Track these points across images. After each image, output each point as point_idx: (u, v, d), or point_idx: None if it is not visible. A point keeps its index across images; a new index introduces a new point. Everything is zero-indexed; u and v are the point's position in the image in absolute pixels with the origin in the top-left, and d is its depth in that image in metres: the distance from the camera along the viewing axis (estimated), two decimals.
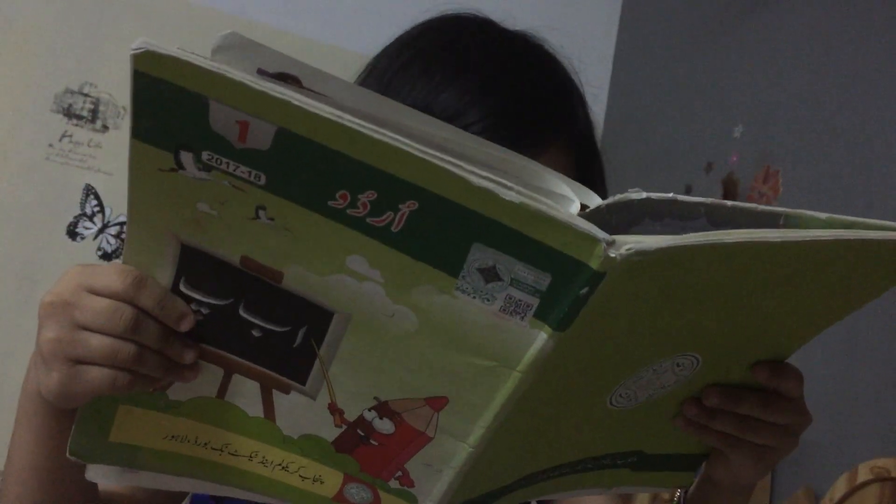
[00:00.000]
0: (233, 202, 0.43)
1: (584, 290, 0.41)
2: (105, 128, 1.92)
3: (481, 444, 0.49)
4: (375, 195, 0.41)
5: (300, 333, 0.48)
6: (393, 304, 0.45)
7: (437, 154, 0.40)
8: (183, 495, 0.73)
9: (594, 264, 0.40)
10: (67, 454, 0.54)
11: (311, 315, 0.47)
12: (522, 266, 0.42)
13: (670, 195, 0.51)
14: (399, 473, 0.52)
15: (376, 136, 0.39)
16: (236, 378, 0.51)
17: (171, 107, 0.40)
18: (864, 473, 1.33)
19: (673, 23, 2.23)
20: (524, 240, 0.41)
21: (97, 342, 0.47)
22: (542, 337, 0.43)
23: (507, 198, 0.40)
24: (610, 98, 2.41)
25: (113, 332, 0.47)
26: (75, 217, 1.88)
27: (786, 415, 0.58)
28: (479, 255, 0.42)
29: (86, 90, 1.91)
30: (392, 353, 0.47)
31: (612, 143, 2.38)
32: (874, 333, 1.44)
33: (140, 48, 0.39)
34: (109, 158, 1.92)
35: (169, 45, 0.39)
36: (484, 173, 0.40)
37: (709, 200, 0.49)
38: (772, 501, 1.54)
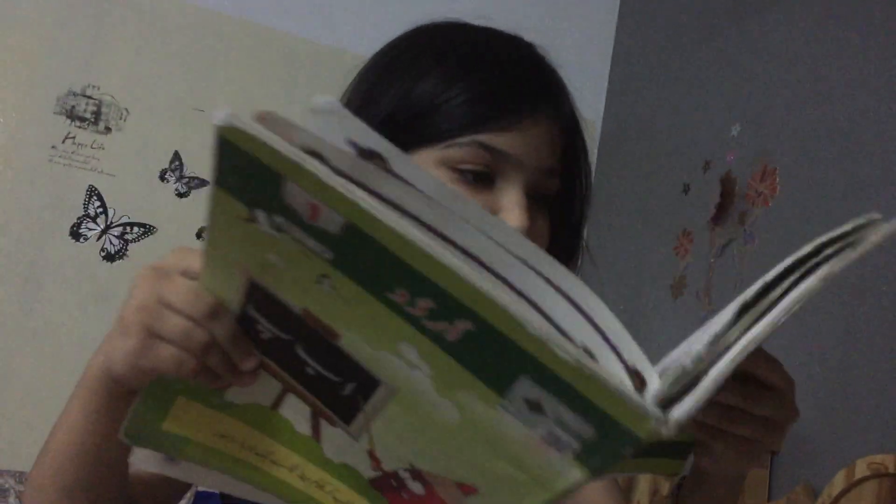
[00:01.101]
0: (300, 264, 0.44)
1: (628, 450, 0.40)
2: (108, 129, 1.93)
3: None
4: (432, 304, 0.41)
5: (349, 387, 0.49)
6: (438, 396, 0.45)
7: (498, 287, 0.40)
8: (187, 488, 0.74)
9: (642, 434, 0.39)
10: (121, 435, 0.55)
11: (360, 376, 0.48)
12: (569, 412, 0.41)
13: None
14: None
15: (437, 255, 0.39)
16: (291, 397, 0.53)
17: (249, 173, 0.41)
18: (861, 469, 1.33)
19: (671, 22, 2.24)
20: (574, 393, 0.40)
21: (176, 320, 0.49)
22: (576, 474, 0.43)
23: (563, 356, 0.38)
24: (608, 97, 2.41)
25: (192, 315, 0.49)
26: (79, 218, 1.89)
27: (770, 407, 0.58)
28: (527, 388, 0.41)
29: (89, 92, 1.92)
30: (432, 435, 0.47)
31: (610, 141, 2.39)
32: (872, 329, 1.45)
33: (225, 123, 0.39)
34: (112, 160, 1.93)
35: (251, 123, 0.39)
36: (542, 324, 0.39)
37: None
38: (770, 497, 1.55)
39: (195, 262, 0.51)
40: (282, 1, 2.11)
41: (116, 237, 1.92)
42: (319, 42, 2.11)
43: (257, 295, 0.48)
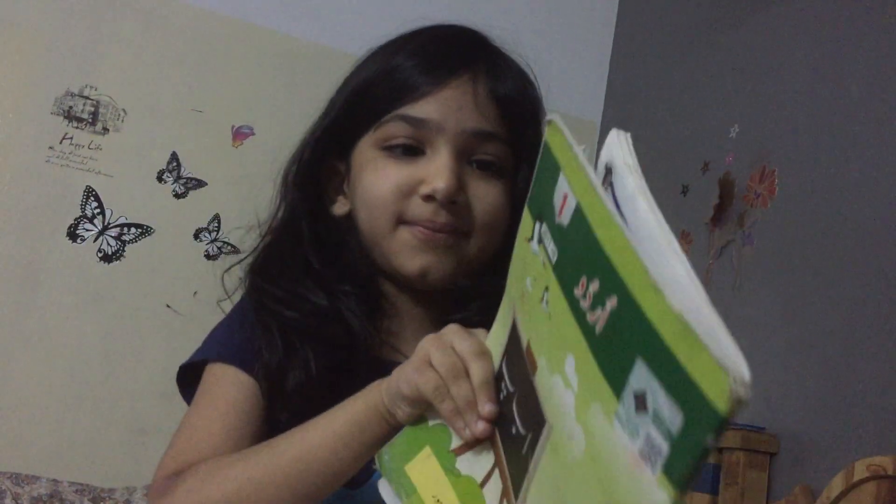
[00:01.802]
0: (538, 280, 0.49)
1: (710, 439, 0.38)
2: (105, 130, 1.93)
3: None
4: (598, 285, 0.44)
5: (527, 442, 0.51)
6: (575, 421, 0.46)
7: (634, 248, 0.42)
8: None
9: (721, 405, 0.36)
10: (376, 456, 0.62)
11: (536, 421, 0.50)
12: (665, 397, 0.40)
13: None
14: None
15: (615, 221, 0.43)
16: (495, 476, 0.56)
17: (547, 175, 0.48)
18: (860, 471, 1.33)
19: (669, 24, 2.24)
20: (669, 358, 0.39)
21: (448, 355, 0.58)
22: (663, 498, 0.41)
23: (670, 302, 0.39)
24: (607, 98, 2.41)
25: (462, 351, 0.58)
26: (76, 219, 1.89)
27: None
28: (639, 375, 0.42)
29: (86, 93, 1.92)
30: (562, 478, 0.49)
31: None
32: (870, 333, 1.45)
33: (551, 119, 0.48)
34: (110, 160, 1.92)
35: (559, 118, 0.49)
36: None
37: None
38: (769, 499, 1.55)
39: (459, 340, 0.59)
40: (280, 2, 2.11)
41: (113, 238, 1.92)
42: (318, 43, 2.11)
43: (512, 340, 0.54)
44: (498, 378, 0.57)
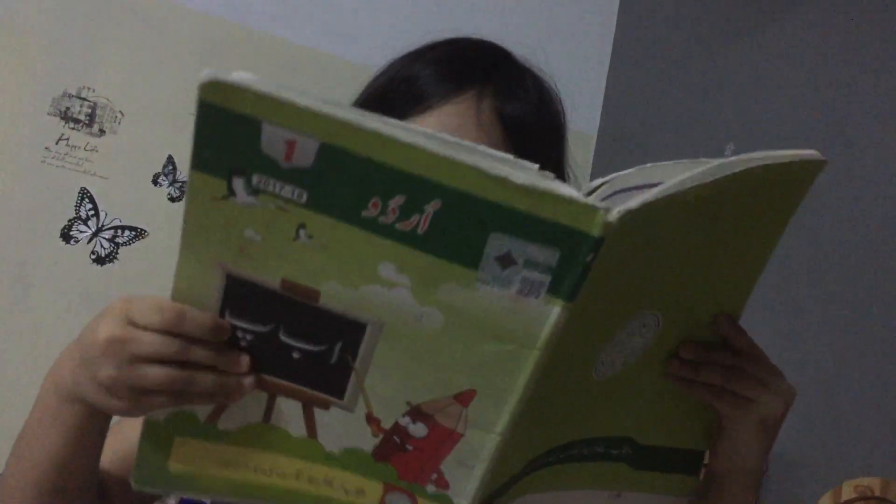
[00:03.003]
0: (276, 224, 0.48)
1: (590, 258, 0.46)
2: (102, 132, 1.93)
3: (507, 431, 0.52)
4: (403, 199, 0.46)
5: (336, 349, 0.52)
6: (420, 306, 0.49)
7: (457, 148, 0.45)
8: None
9: (596, 231, 0.45)
10: (133, 484, 0.58)
11: (345, 330, 0.51)
12: (534, 247, 0.46)
13: (612, 175, 0.59)
14: (434, 476, 0.55)
15: (409, 139, 0.44)
16: (279, 401, 0.55)
17: (228, 133, 0.46)
18: (847, 492, 1.34)
19: (666, 41, 2.25)
20: (534, 220, 0.45)
21: (154, 374, 0.51)
22: (555, 311, 0.47)
23: (519, 181, 0.44)
24: (603, 115, 2.42)
25: (167, 357, 0.51)
26: (70, 220, 1.89)
27: (758, 366, 0.61)
28: (496, 244, 0.46)
29: (83, 94, 1.92)
30: (421, 355, 0.51)
31: (605, 156, 2.40)
32: (859, 353, 1.45)
33: (207, 78, 0.45)
34: (105, 162, 1.92)
35: (229, 73, 0.45)
36: (499, 156, 0.45)
37: (648, 166, 0.58)
38: None
39: (140, 315, 0.52)
40: (279, 7, 2.11)
41: (107, 240, 1.92)
42: (316, 49, 2.11)
43: (234, 291, 0.51)
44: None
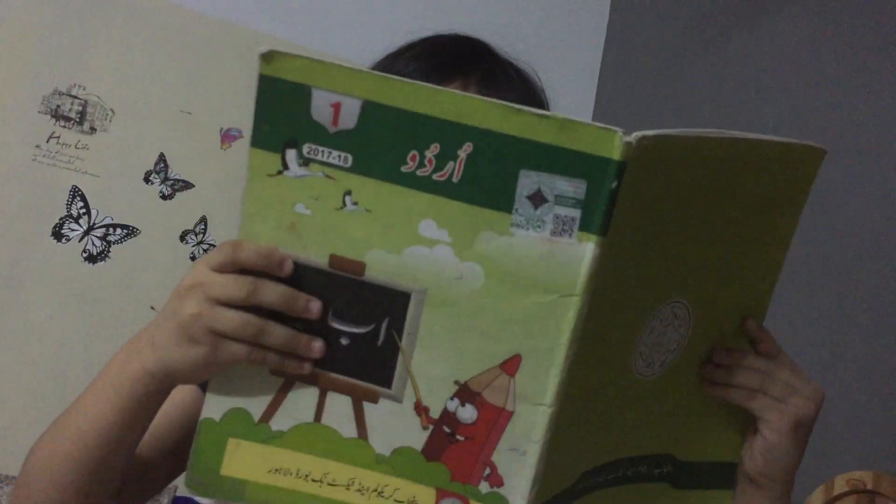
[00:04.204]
0: (325, 195, 0.53)
1: (614, 184, 0.48)
2: (93, 130, 1.92)
3: (556, 402, 0.53)
4: (438, 147, 0.50)
5: (383, 328, 0.54)
6: (461, 262, 0.52)
7: (481, 97, 0.49)
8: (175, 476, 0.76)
9: (616, 155, 0.48)
10: (185, 485, 0.59)
11: (390, 303, 0.54)
12: (561, 180, 0.49)
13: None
14: (487, 471, 0.56)
15: (437, 88, 0.49)
16: (330, 397, 0.57)
17: (283, 103, 0.51)
18: (840, 485, 1.34)
19: (658, 41, 2.25)
20: (559, 152, 0.49)
21: (230, 315, 0.55)
22: (589, 248, 0.50)
23: (540, 113, 0.48)
24: (595, 112, 2.43)
25: (239, 299, 0.54)
26: (61, 219, 1.88)
27: (786, 370, 0.64)
28: (526, 182, 0.50)
29: (74, 92, 1.91)
30: (465, 321, 0.53)
31: None
32: (851, 348, 1.46)
33: (266, 50, 0.50)
34: (96, 160, 1.91)
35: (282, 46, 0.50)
36: (521, 108, 0.49)
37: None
38: None
39: (219, 256, 0.56)
40: (272, 5, 2.11)
41: (99, 238, 1.91)
42: (308, 46, 2.11)
43: (286, 280, 0.54)
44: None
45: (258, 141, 0.53)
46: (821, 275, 1.54)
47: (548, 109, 0.84)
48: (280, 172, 0.53)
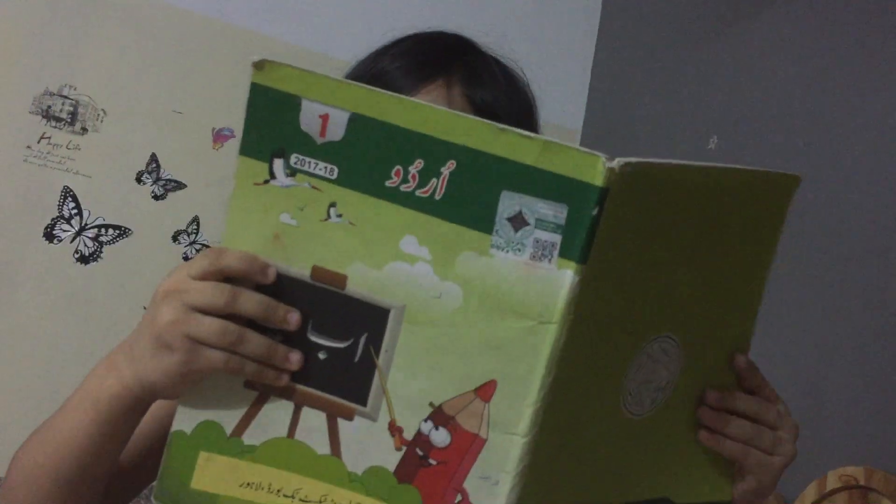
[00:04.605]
0: (310, 206, 0.52)
1: (595, 210, 0.48)
2: (84, 130, 1.91)
3: (530, 431, 0.51)
4: (422, 164, 0.50)
5: (360, 344, 0.54)
6: (441, 280, 0.51)
7: (467, 115, 0.50)
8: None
9: (598, 181, 0.47)
10: (154, 498, 0.58)
11: (370, 318, 0.53)
12: (542, 203, 0.49)
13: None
14: (459, 498, 0.54)
15: (423, 105, 0.50)
16: (305, 412, 0.56)
17: (273, 112, 0.52)
18: (832, 481, 1.35)
19: (649, 36, 2.25)
20: (541, 174, 0.48)
21: (208, 322, 0.54)
22: (568, 275, 0.49)
23: (523, 134, 0.48)
24: (588, 110, 2.42)
25: (217, 307, 0.53)
26: (53, 219, 1.87)
27: (772, 411, 0.65)
28: (508, 203, 0.49)
29: (65, 92, 1.90)
30: (442, 341, 0.52)
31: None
32: (843, 345, 1.46)
33: (259, 59, 0.51)
34: (88, 161, 1.91)
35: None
36: (505, 128, 0.49)
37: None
38: None
39: (202, 263, 0.55)
40: (263, 4, 2.10)
41: (91, 239, 1.90)
42: (298, 46, 2.11)
43: (268, 290, 0.54)
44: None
45: (247, 149, 0.53)
46: (812, 272, 1.55)
47: (534, 105, 0.83)
48: (267, 182, 0.53)
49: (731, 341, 0.63)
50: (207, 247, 1.96)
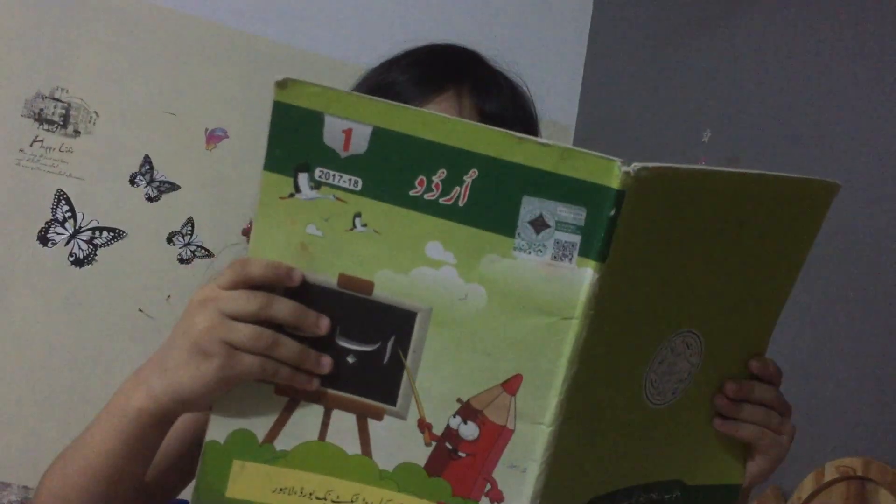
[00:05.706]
0: (335, 217, 0.54)
1: (612, 212, 0.50)
2: (76, 133, 1.91)
3: (556, 421, 0.54)
4: (445, 173, 0.52)
5: (388, 346, 0.56)
6: (465, 283, 0.54)
7: (487, 126, 0.52)
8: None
9: (615, 184, 0.50)
10: None
11: (397, 322, 0.55)
12: (562, 206, 0.51)
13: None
14: (488, 487, 0.57)
15: (445, 117, 0.52)
16: (335, 415, 0.57)
17: (296, 128, 0.53)
18: (830, 472, 1.35)
19: (642, 30, 2.25)
20: (560, 179, 0.51)
21: (242, 327, 0.55)
22: (588, 273, 0.52)
23: (542, 142, 0.51)
24: (581, 104, 2.43)
25: (250, 313, 0.55)
26: (47, 223, 1.87)
27: (782, 402, 0.68)
28: (528, 208, 0.52)
29: (57, 95, 1.90)
30: (468, 340, 0.54)
31: (583, 146, 2.40)
32: (840, 336, 1.46)
33: (283, 78, 0.52)
34: (81, 164, 1.90)
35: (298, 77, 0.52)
36: (524, 137, 0.51)
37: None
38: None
39: (229, 274, 0.56)
40: (255, 5, 2.10)
41: (85, 242, 1.90)
42: (291, 46, 2.10)
43: (296, 298, 0.56)
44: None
45: (271, 164, 0.54)
46: (810, 262, 1.55)
47: (537, 118, 0.85)
48: (292, 195, 0.54)
49: (751, 338, 0.66)
50: (202, 248, 1.95)
